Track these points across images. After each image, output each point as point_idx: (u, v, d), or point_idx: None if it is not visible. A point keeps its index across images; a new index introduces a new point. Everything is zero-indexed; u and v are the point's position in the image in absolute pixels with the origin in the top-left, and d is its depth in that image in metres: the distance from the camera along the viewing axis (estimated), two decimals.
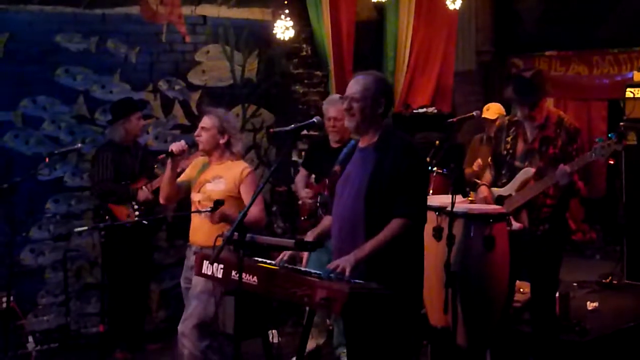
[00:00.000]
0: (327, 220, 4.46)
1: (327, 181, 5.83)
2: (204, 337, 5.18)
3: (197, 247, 5.25)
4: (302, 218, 6.28)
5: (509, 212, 5.20)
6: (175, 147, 5.19)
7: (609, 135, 5.05)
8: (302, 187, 6.32)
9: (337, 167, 5.80)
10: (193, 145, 5.53)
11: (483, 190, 5.44)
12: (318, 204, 6.09)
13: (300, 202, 6.38)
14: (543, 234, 5.20)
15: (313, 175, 6.32)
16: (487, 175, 5.54)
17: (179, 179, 5.40)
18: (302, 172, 6.41)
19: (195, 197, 5.33)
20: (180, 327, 5.22)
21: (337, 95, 6.39)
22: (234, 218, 4.98)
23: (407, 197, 4.03)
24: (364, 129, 4.18)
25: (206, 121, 5.32)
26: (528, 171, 5.21)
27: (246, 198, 5.18)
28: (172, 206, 6.66)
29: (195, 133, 5.36)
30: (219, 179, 5.27)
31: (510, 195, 5.28)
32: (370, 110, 4.14)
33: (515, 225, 5.18)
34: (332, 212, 4.37)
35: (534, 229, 5.21)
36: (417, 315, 4.33)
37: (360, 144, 4.28)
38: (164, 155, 5.30)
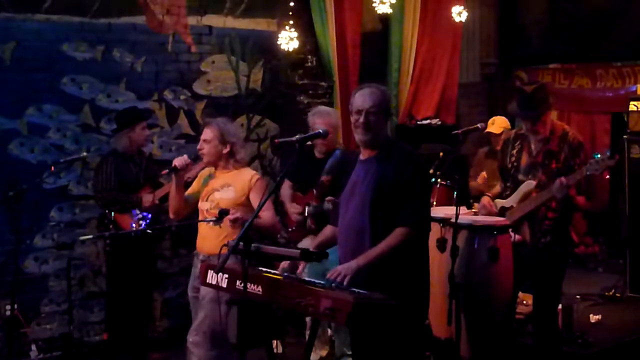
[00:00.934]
0: (328, 230, 4.49)
1: (315, 191, 5.88)
2: (215, 347, 5.17)
3: (204, 254, 5.25)
4: (290, 229, 6.29)
5: (511, 223, 5.22)
6: (178, 162, 5.18)
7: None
8: (288, 199, 6.33)
9: (324, 177, 5.87)
10: (197, 158, 5.54)
11: (484, 199, 5.49)
12: (306, 215, 6.11)
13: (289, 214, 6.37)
14: (544, 247, 5.22)
15: (298, 193, 6.34)
16: (497, 188, 5.58)
17: (186, 193, 5.39)
18: (287, 183, 6.40)
19: (203, 205, 5.32)
20: (190, 337, 5.21)
21: (323, 107, 6.48)
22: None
23: (410, 206, 4.07)
24: (376, 142, 4.21)
25: (207, 133, 5.30)
26: (530, 184, 5.24)
27: (256, 204, 5.17)
28: None
29: (198, 146, 5.35)
30: (227, 187, 5.27)
31: (512, 207, 5.30)
32: (382, 124, 4.20)
33: (514, 237, 5.20)
34: (333, 222, 4.40)
35: (535, 242, 5.23)
36: (422, 326, 4.34)
37: (362, 156, 4.31)
38: (167, 170, 5.30)
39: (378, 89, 4.26)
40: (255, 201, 5.19)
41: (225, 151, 5.31)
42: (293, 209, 6.22)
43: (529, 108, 5.21)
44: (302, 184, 6.23)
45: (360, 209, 4.14)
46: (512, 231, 5.22)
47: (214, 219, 5.05)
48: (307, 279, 4.32)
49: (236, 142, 5.37)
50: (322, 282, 4.05)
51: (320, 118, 6.10)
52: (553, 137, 5.24)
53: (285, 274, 4.24)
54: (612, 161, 4.99)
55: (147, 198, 6.39)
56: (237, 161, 5.37)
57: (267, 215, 5.13)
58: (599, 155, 5.01)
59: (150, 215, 6.41)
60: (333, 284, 3.93)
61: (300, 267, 4.43)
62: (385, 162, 4.16)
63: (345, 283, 3.93)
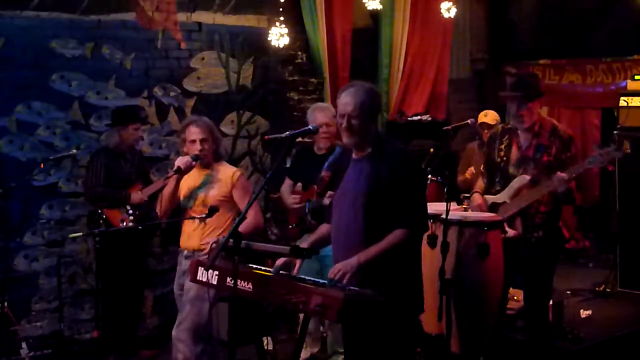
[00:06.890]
0: (323, 228, 4.46)
1: (316, 187, 5.86)
2: (199, 342, 5.16)
3: (188, 252, 5.26)
4: (290, 226, 6.27)
5: (503, 219, 5.21)
6: (182, 163, 5.14)
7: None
8: (288, 194, 6.30)
9: (325, 173, 5.83)
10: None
11: (477, 198, 5.44)
12: (307, 211, 6.09)
13: (290, 209, 6.35)
14: (537, 241, 5.22)
15: (299, 184, 6.31)
16: (480, 183, 5.54)
17: None
18: (287, 181, 6.37)
19: (187, 203, 5.31)
20: (174, 332, 5.21)
21: (322, 103, 6.45)
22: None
23: (409, 208, 4.05)
24: (365, 142, 4.18)
25: (200, 132, 5.25)
26: (523, 178, 5.21)
27: (241, 203, 5.19)
28: None
29: (198, 148, 5.23)
30: (210, 184, 5.27)
31: (504, 202, 5.29)
32: (368, 124, 4.16)
33: (510, 232, 5.19)
34: (328, 220, 4.38)
35: (528, 236, 5.22)
36: (414, 322, 4.33)
37: (355, 155, 4.27)
38: (172, 173, 5.20)
39: (361, 89, 4.17)
40: (238, 199, 5.20)
41: (214, 148, 5.31)
42: (291, 199, 6.16)
43: (516, 89, 5.24)
44: (303, 181, 6.21)
45: (353, 207, 4.12)
46: (507, 226, 5.21)
47: (203, 216, 5.05)
48: (298, 275, 4.30)
49: (221, 139, 5.40)
50: (321, 280, 4.05)
51: (322, 112, 6.02)
52: (543, 132, 5.24)
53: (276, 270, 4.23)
54: (619, 153, 4.96)
55: (136, 195, 6.38)
56: (218, 157, 5.38)
57: (250, 215, 5.11)
58: (599, 147, 4.99)
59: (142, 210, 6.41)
60: (338, 284, 3.92)
61: (297, 267, 4.40)
62: (379, 160, 4.12)
63: (345, 281, 3.92)
